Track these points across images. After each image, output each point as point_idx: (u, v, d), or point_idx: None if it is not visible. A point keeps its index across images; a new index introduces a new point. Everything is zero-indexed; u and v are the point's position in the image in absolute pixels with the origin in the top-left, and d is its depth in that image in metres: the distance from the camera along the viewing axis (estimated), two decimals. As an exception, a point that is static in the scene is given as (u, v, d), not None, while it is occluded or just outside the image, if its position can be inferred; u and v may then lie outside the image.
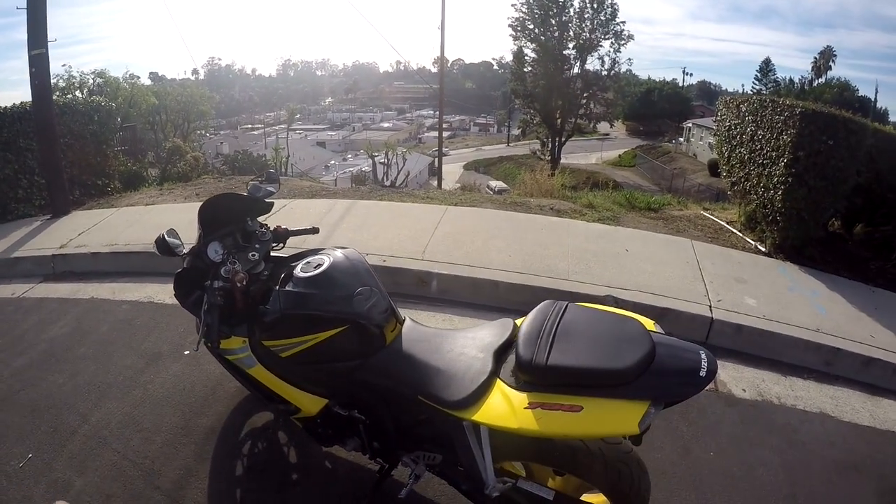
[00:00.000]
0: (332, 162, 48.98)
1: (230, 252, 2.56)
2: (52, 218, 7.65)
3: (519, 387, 1.94)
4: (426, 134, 77.46)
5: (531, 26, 38.74)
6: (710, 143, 35.05)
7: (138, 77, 24.44)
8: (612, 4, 38.42)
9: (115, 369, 4.08)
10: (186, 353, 4.21)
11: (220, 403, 3.62)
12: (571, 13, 38.57)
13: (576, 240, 5.75)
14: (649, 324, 2.05)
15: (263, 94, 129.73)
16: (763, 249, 6.02)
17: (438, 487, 2.84)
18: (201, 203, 2.64)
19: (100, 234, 6.59)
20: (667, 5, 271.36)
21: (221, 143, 43.68)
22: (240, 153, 16.66)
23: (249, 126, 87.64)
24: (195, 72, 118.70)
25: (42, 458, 3.25)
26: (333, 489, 2.98)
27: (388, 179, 21.46)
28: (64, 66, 20.69)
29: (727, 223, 6.83)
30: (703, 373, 1.80)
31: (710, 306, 4.57)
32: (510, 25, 39.29)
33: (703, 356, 1.85)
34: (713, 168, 32.12)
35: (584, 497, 2.40)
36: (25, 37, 7.29)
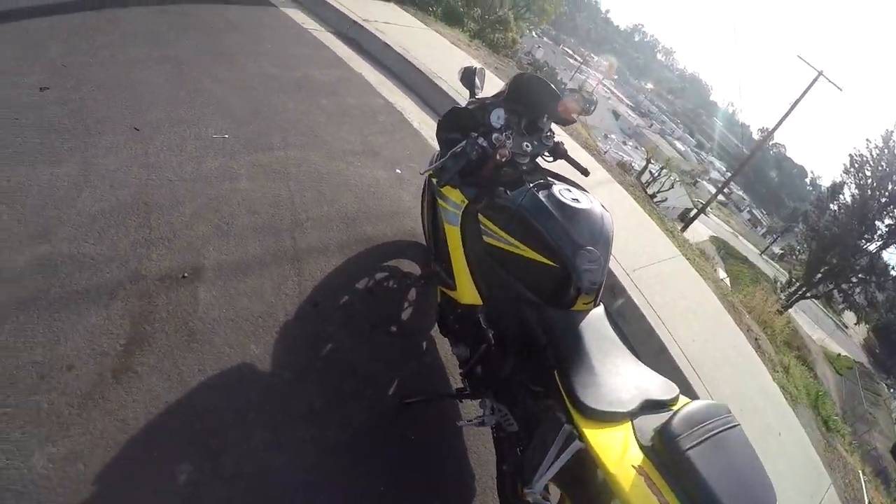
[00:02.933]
0: (612, 136, 48.36)
1: (510, 126, 2.57)
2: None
3: (642, 443, 1.82)
4: (704, 182, 74.23)
5: (867, 173, 34.50)
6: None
7: None
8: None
9: (337, 136, 4.40)
10: (398, 171, 4.37)
11: (390, 229, 3.70)
12: None
13: (753, 382, 5.24)
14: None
15: (601, 36, 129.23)
16: None
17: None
18: (519, 72, 2.67)
19: (401, 34, 6.98)
20: None
21: (538, 46, 43.93)
22: (546, 65, 16.76)
23: (570, 52, 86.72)
24: None
25: (233, 145, 3.68)
26: (408, 367, 2.97)
27: (647, 187, 21.07)
28: None
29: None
30: None
31: None
32: (850, 156, 34.61)
33: None
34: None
35: None
36: None
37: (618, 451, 1.78)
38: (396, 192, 4.09)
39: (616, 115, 63.70)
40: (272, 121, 4.15)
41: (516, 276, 2.28)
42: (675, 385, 2.09)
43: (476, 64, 2.68)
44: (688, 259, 6.63)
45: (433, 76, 6.15)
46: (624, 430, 1.85)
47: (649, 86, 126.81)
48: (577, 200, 2.30)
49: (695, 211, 31.11)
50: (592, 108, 2.69)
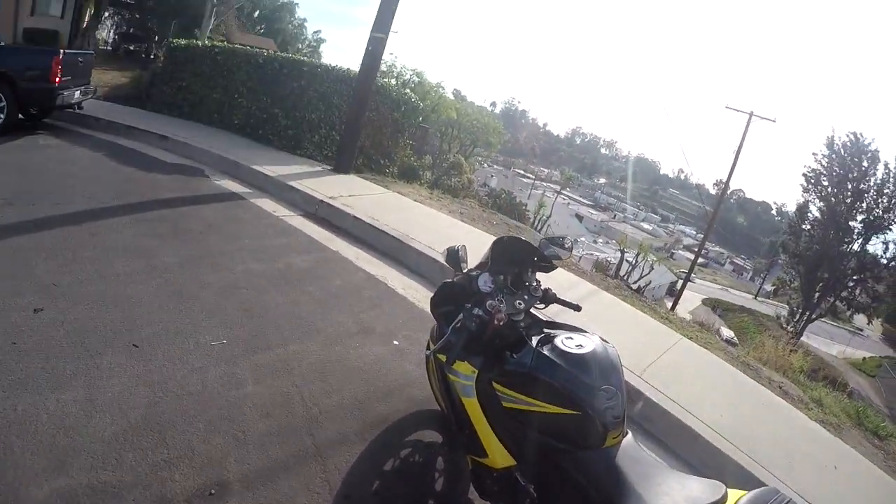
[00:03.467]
0: (583, 238, 49.26)
1: (499, 289, 2.73)
2: (334, 171, 8.99)
3: None
4: (680, 252, 75.30)
5: (825, 183, 35.87)
6: None
7: (444, 88, 26.67)
8: (918, 186, 34.40)
9: (330, 320, 4.49)
10: (395, 343, 4.47)
11: (403, 402, 3.75)
12: (871, 183, 35.01)
13: (790, 432, 5.38)
14: None
15: (546, 149, 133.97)
16: None
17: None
18: (499, 237, 2.95)
19: (367, 204, 7.39)
20: None
21: (492, 176, 45.62)
22: (504, 192, 17.46)
23: (522, 172, 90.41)
24: (493, 104, 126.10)
25: (232, 350, 3.73)
26: None
27: (628, 279, 21.34)
28: (391, 54, 23.49)
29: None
30: None
31: None
32: (804, 175, 36.68)
33: None
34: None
35: None
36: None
37: None
38: (399, 365, 4.20)
39: (580, 217, 65.50)
40: (265, 318, 4.31)
41: (543, 431, 2.40)
42: (719, 483, 2.13)
43: (457, 244, 2.92)
44: (690, 338, 6.88)
45: (406, 239, 6.51)
46: None
47: (602, 180, 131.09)
48: (580, 346, 2.47)
49: (680, 283, 31.42)
50: (570, 247, 2.96)
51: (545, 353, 2.47)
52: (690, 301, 40.62)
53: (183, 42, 11.45)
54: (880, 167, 34.46)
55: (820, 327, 44.39)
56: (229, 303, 4.36)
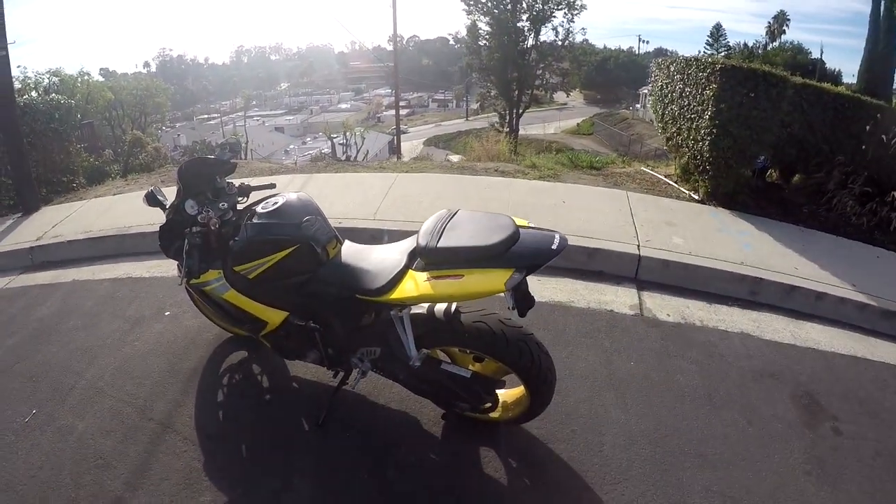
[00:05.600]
0: (292, 146, 48.39)
1: (203, 205, 3.09)
2: (24, 215, 7.75)
3: (420, 269, 2.54)
4: (385, 113, 77.08)
5: (484, 0, 38.68)
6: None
7: (89, 74, 24.35)
8: (565, -26, 38.50)
9: (104, 334, 4.41)
10: (167, 313, 4.59)
11: (201, 349, 4.02)
12: None
13: (516, 195, 6.15)
14: (522, 221, 2.54)
15: (218, 82, 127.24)
16: (697, 198, 6.44)
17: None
18: (179, 165, 3.28)
19: (73, 224, 6.78)
20: None
21: (178, 134, 42.82)
22: (198, 143, 16.66)
23: (206, 116, 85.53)
24: (146, 65, 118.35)
25: (45, 412, 3.57)
26: (300, 402, 3.48)
27: (347, 158, 21.54)
28: (19, 66, 20.81)
29: (665, 177, 7.24)
30: (554, 246, 2.36)
31: (639, 245, 4.97)
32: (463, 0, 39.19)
33: (557, 236, 2.41)
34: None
35: (500, 394, 2.99)
36: None
37: (412, 286, 2.51)
38: (182, 325, 4.43)
39: (280, 129, 63.90)
40: (52, 371, 4.04)
41: (286, 275, 2.93)
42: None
43: (150, 187, 3.34)
44: (404, 171, 7.50)
45: (124, 231, 6.22)
46: (409, 277, 2.57)
47: (284, 85, 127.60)
48: (276, 203, 3.05)
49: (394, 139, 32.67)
50: (240, 148, 3.32)
51: (252, 221, 3.00)
52: (414, 150, 42.14)
53: None
54: None
55: (532, 117, 48.90)
56: (11, 382, 3.95)
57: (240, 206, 3.32)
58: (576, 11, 39.03)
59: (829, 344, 4.16)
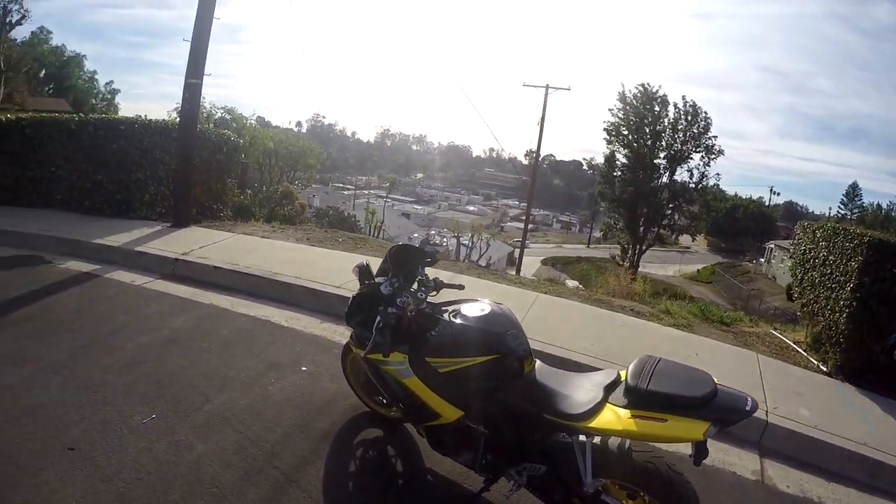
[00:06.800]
0: (416, 234, 49.83)
1: (401, 288, 3.32)
2: (173, 227, 8.77)
3: (624, 406, 2.69)
4: (509, 224, 78.48)
5: (625, 132, 39.66)
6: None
7: (253, 119, 26.25)
8: (706, 118, 39.27)
9: (237, 367, 4.68)
10: (304, 368, 4.84)
11: (336, 414, 4.20)
12: (665, 123, 39.40)
13: (651, 339, 6.33)
14: (714, 379, 2.73)
15: (359, 157, 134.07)
16: (825, 369, 6.37)
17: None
18: (392, 246, 3.64)
19: (219, 251, 7.44)
20: (757, 121, 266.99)
21: (313, 195, 44.72)
22: (331, 209, 17.52)
23: (341, 185, 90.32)
24: (299, 124, 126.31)
25: (166, 420, 3.81)
26: (432, 495, 3.58)
27: (468, 261, 22.12)
28: (203, 97, 22.84)
29: (794, 343, 7.20)
30: (748, 407, 2.53)
31: (767, 412, 4.99)
32: (605, 129, 40.32)
33: (749, 398, 2.58)
34: (791, 292, 31.53)
35: None
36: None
37: (614, 419, 2.66)
38: (317, 386, 4.60)
39: (407, 215, 66.25)
40: (177, 383, 4.38)
41: (477, 378, 3.06)
42: (614, 369, 3.03)
43: (363, 260, 3.73)
44: (544, 292, 7.73)
45: (270, 275, 6.70)
46: (609, 409, 2.72)
47: (419, 175, 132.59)
48: (482, 309, 3.25)
49: (517, 251, 33.30)
50: (440, 248, 3.70)
51: (458, 321, 3.19)
52: (531, 265, 42.54)
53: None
54: (670, 109, 39.13)
55: (652, 255, 48.33)
56: (137, 379, 4.35)
57: (430, 299, 3.48)
58: (713, 156, 39.60)
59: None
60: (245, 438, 3.74)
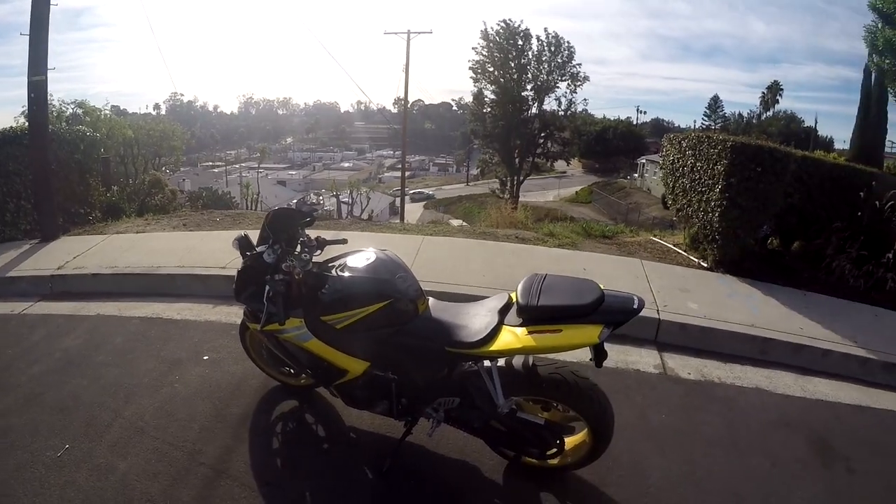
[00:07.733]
0: (294, 200, 48.89)
1: (285, 253, 3.23)
2: (42, 242, 7.85)
3: (520, 325, 2.82)
4: (386, 174, 78.41)
5: (491, 69, 40.12)
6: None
7: (107, 109, 24.68)
8: (569, 47, 40.48)
9: (139, 372, 4.45)
10: (206, 357, 4.68)
11: (247, 396, 4.11)
12: (530, 56, 40.23)
13: (539, 261, 6.56)
14: (601, 285, 2.86)
15: (224, 131, 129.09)
16: (706, 265, 6.86)
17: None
18: (267, 212, 3.52)
19: (96, 257, 6.89)
20: (619, 46, 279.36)
21: (183, 179, 42.63)
22: (204, 190, 16.79)
23: (210, 164, 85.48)
24: (157, 107, 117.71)
25: (80, 448, 3.56)
26: (360, 451, 3.61)
27: (351, 217, 21.93)
28: (51, 94, 21.02)
29: (674, 245, 7.68)
30: (635, 305, 2.72)
31: (658, 310, 5.34)
32: (471, 68, 40.69)
33: (635, 297, 2.76)
34: (666, 201, 33.63)
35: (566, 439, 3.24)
36: None
37: (513, 338, 2.78)
38: (222, 371, 4.46)
39: (283, 183, 64.61)
40: (82, 406, 4.04)
41: (375, 327, 3.09)
42: (504, 293, 3.15)
43: (242, 232, 3.48)
44: (429, 234, 7.86)
45: (153, 270, 6.33)
46: (506, 331, 2.85)
47: (289, 139, 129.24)
48: (367, 258, 3.28)
49: (398, 200, 33.44)
50: (317, 207, 3.57)
51: (346, 274, 3.19)
52: (414, 212, 42.67)
53: None
54: (534, 42, 40.07)
55: (531, 184, 49.78)
56: (41, 412, 3.97)
57: (315, 259, 3.44)
58: (578, 83, 40.99)
59: (836, 395, 4.55)
60: (164, 443, 3.62)
